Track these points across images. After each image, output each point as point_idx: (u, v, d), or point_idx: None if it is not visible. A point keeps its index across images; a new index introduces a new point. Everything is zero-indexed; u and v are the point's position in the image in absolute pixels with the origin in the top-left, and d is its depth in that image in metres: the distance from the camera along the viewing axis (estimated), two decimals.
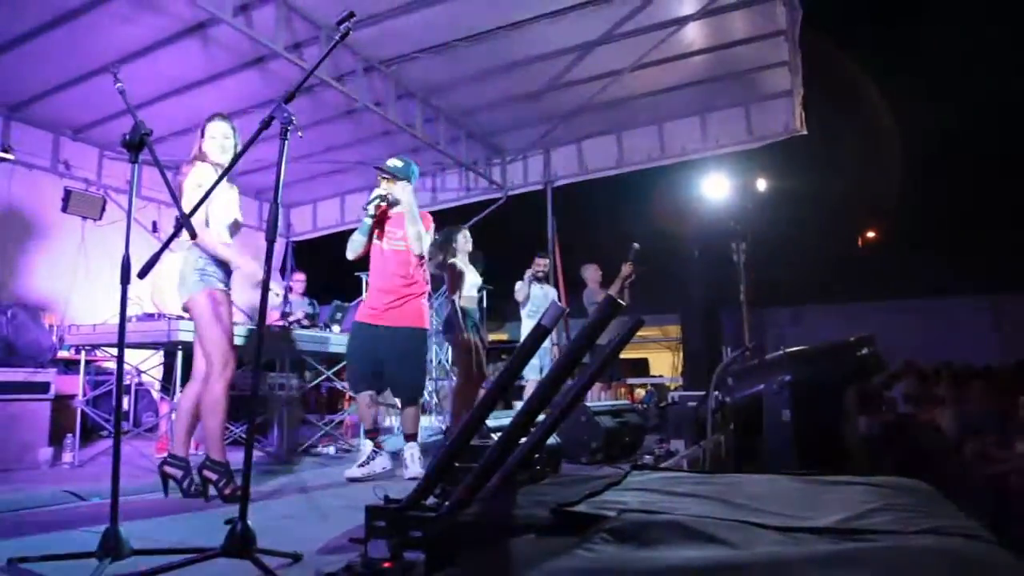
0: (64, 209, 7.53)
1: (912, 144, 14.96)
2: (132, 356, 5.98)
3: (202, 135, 3.81)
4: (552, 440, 3.64)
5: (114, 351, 5.36)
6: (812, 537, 1.35)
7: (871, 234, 18.53)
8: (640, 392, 12.67)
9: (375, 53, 6.76)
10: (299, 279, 8.39)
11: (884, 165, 14.70)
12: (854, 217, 17.26)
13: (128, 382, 6.90)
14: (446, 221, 7.43)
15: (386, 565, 1.93)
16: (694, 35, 6.86)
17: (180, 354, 4.90)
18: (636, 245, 7.33)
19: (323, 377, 6.30)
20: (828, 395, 5.32)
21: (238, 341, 4.85)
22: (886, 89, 14.68)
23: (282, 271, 10.74)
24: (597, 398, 6.92)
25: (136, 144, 2.45)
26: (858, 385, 6.53)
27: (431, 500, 2.34)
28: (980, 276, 13.97)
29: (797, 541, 1.31)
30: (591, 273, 7.56)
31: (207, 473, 3.57)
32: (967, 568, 1.19)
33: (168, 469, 3.71)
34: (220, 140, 3.79)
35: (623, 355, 10.31)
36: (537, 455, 2.91)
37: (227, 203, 3.81)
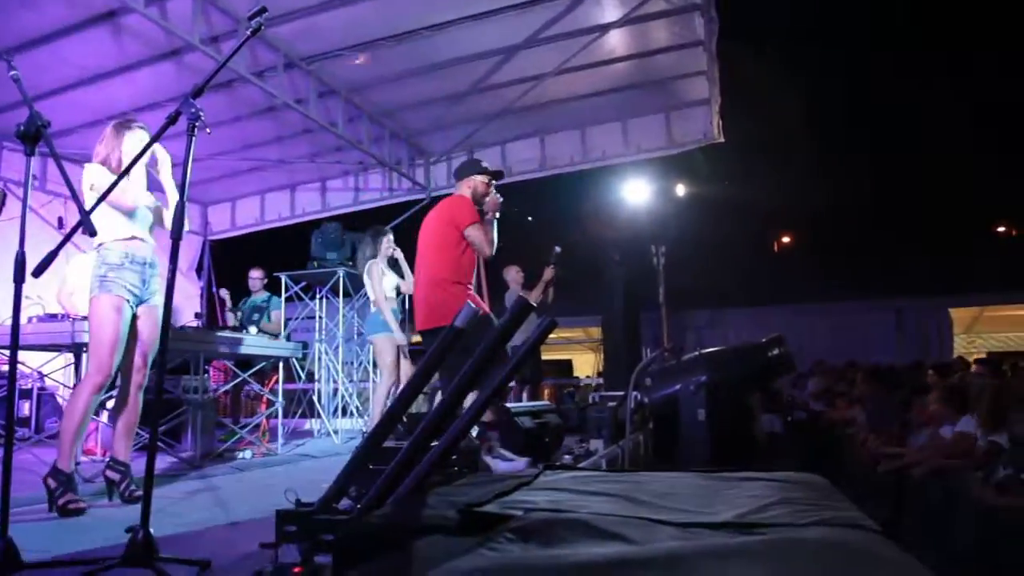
0: None
1: (824, 153, 15.64)
2: (34, 358, 5.69)
3: (116, 138, 3.63)
4: (469, 440, 3.64)
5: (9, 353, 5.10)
6: (709, 532, 1.40)
7: (785, 239, 19.26)
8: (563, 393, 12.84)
9: (296, 49, 6.64)
10: (256, 276, 7.86)
11: (797, 173, 15.32)
12: (769, 223, 17.92)
13: (29, 386, 6.58)
14: (368, 222, 7.39)
15: (296, 570, 1.90)
16: (616, 42, 7.00)
17: (86, 357, 4.69)
18: (557, 248, 7.43)
19: (239, 379, 6.14)
20: (741, 394, 5.53)
21: None
22: (799, 99, 15.32)
23: (198, 270, 10.41)
24: (518, 399, 6.95)
25: (32, 136, 2.33)
26: (767, 384, 6.80)
27: (345, 504, 2.32)
28: (883, 281, 14.72)
29: (694, 536, 1.36)
30: (512, 275, 7.61)
31: (49, 480, 3.36)
32: (851, 557, 1.25)
33: (108, 473, 3.63)
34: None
35: (547, 356, 10.41)
36: (453, 456, 2.91)
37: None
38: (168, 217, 3.70)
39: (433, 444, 2.08)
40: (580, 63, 7.08)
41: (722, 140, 7.96)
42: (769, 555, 1.16)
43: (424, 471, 2.05)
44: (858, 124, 16.03)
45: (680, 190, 9.65)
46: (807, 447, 7.16)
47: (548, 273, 7.34)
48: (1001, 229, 16.63)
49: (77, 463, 3.61)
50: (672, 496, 1.81)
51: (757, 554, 1.16)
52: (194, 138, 2.27)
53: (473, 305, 2.18)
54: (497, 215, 4.50)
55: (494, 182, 4.62)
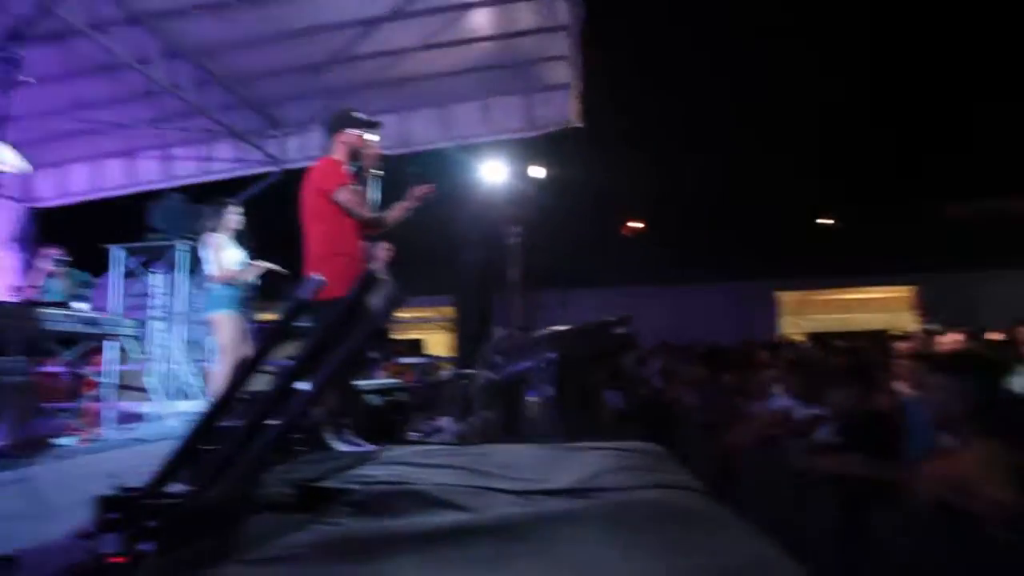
0: None
1: (674, 145, 16.42)
2: None
3: None
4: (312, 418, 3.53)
5: None
6: (547, 498, 1.43)
7: (633, 225, 19.95)
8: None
9: (141, 4, 6.11)
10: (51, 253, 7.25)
11: (648, 162, 15.99)
12: (619, 209, 18.54)
13: None
14: (217, 194, 7.01)
15: (115, 560, 1.76)
16: (480, 21, 6.97)
17: None
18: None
19: (59, 359, 5.65)
20: (588, 371, 5.71)
21: None
22: (657, 90, 15.96)
23: (25, 241, 9.45)
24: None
25: None
26: (613, 361, 7.08)
27: (178, 487, 2.18)
28: (719, 266, 15.93)
29: (532, 503, 1.38)
30: (379, 252, 7.45)
31: None
32: (678, 516, 1.32)
33: None
34: None
35: (397, 336, 10.31)
36: (297, 435, 2.82)
37: None
38: None
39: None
40: (443, 40, 7.01)
41: (580, 125, 8.11)
42: (601, 517, 1.20)
43: (261, 451, 1.97)
44: (709, 119, 16.84)
45: (537, 172, 9.77)
46: (648, 422, 7.52)
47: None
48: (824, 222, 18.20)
49: None
50: (514, 466, 1.84)
51: (590, 517, 1.19)
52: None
53: (319, 277, 2.10)
54: (380, 172, 4.09)
55: (371, 134, 4.17)
